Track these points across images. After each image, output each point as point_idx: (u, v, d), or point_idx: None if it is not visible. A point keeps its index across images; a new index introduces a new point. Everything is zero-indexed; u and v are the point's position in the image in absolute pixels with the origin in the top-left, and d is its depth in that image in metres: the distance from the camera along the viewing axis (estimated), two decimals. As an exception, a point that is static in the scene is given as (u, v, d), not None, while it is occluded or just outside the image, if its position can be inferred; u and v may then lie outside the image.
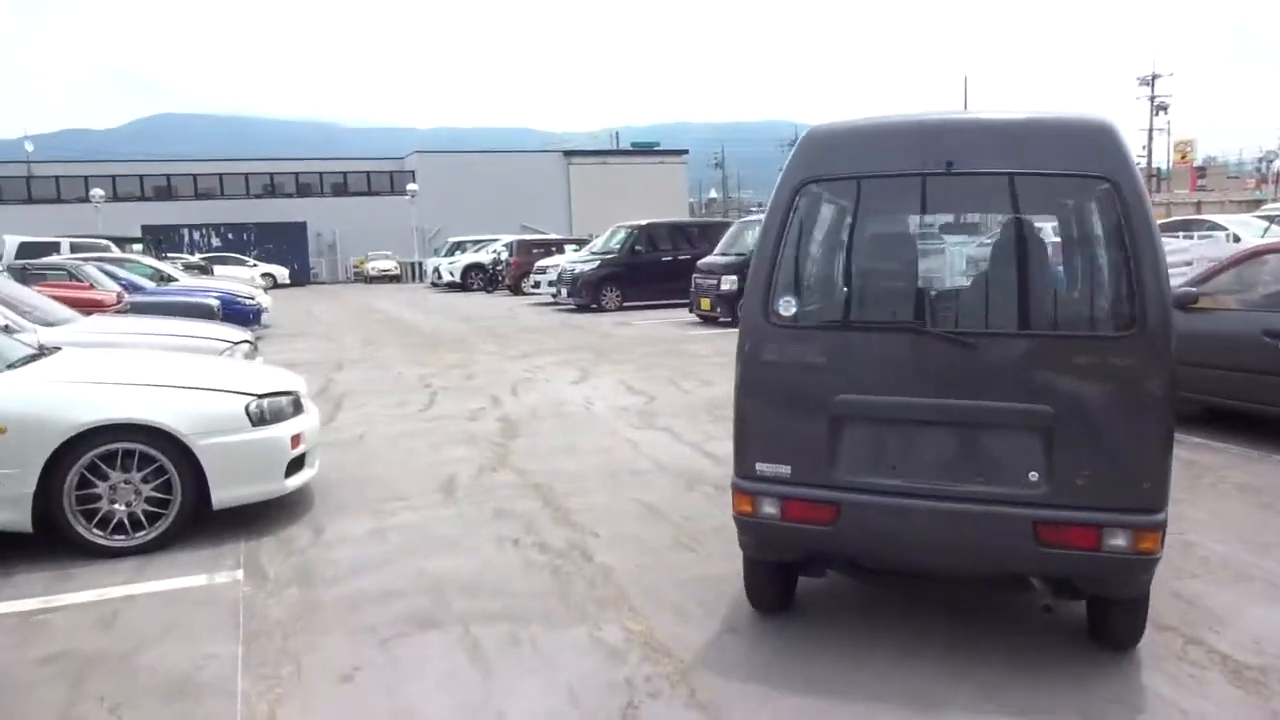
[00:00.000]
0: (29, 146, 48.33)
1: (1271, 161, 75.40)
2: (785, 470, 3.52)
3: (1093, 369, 3.24)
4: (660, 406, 8.79)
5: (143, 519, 4.90)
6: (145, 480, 4.89)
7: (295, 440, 5.36)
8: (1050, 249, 3.89)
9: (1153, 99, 67.33)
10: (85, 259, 16.43)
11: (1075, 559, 3.25)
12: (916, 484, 3.37)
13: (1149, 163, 69.86)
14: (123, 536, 4.86)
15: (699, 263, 16.86)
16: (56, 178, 43.36)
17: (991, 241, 3.92)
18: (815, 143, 3.65)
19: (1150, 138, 67.96)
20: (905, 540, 3.43)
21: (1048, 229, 3.99)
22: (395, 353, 13.57)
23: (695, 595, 4.19)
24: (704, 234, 20.83)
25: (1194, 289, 7.16)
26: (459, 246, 35.12)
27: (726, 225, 20.04)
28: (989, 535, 3.30)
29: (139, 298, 12.50)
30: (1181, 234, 22.11)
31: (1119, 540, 3.17)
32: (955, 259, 4.31)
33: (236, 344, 7.81)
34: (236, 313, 15.00)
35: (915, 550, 3.47)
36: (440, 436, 7.69)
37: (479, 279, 30.72)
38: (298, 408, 5.59)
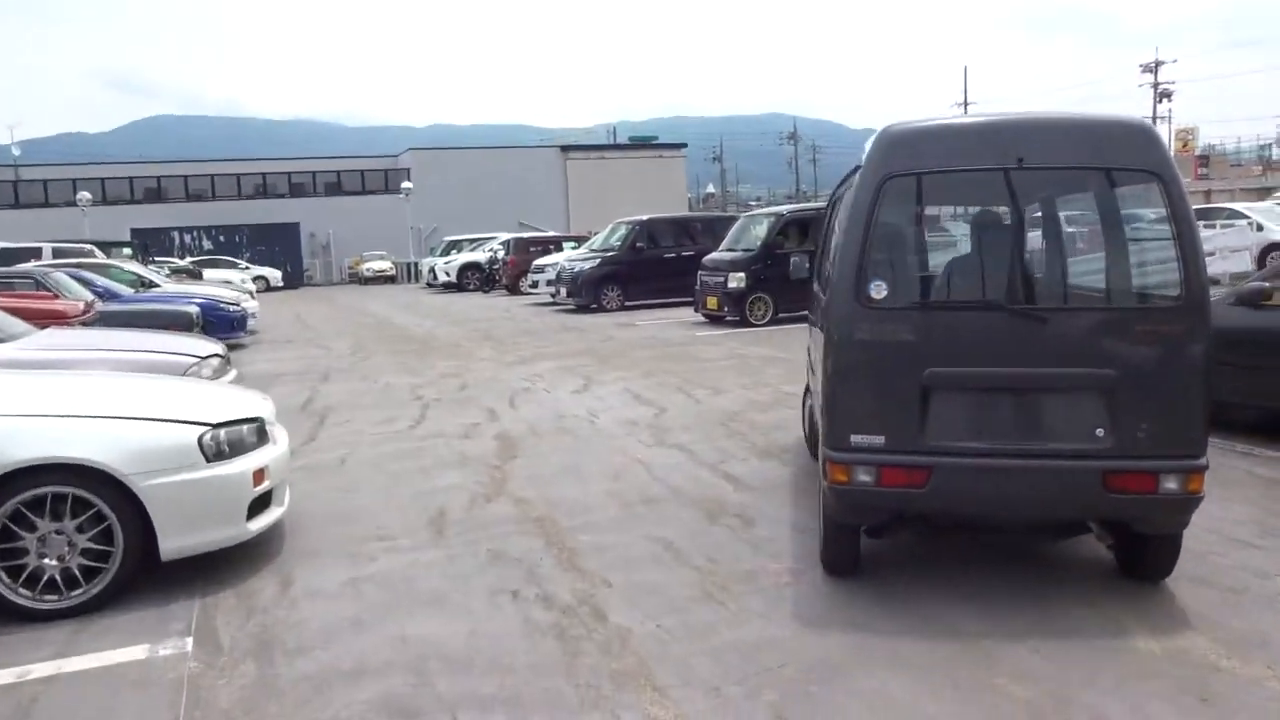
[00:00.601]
0: (15, 150, 47.48)
1: (1272, 149, 74.68)
2: (879, 440, 3.87)
3: (1147, 336, 3.74)
4: (671, 419, 8.07)
5: (78, 575, 4.18)
6: (80, 529, 4.16)
7: (259, 476, 4.64)
8: (1105, 233, 4.20)
9: (1156, 86, 66.50)
10: (61, 265, 15.69)
11: (1138, 502, 3.75)
12: (1000, 445, 3.80)
13: (1152, 150, 69.01)
14: (55, 596, 4.15)
15: (704, 259, 16.13)
16: (44, 181, 42.60)
17: (1059, 226, 4.57)
18: (894, 141, 4.02)
19: (1154, 124, 67.12)
20: (991, 496, 3.87)
21: (1105, 215, 4.29)
22: (385, 361, 12.84)
23: (731, 668, 3.47)
24: (707, 229, 20.11)
25: (1265, 283, 6.43)
26: (455, 246, 34.38)
27: (731, 220, 19.30)
28: (1065, 486, 3.77)
29: (112, 306, 11.79)
30: (1203, 223, 21.41)
31: (1172, 484, 3.68)
32: (1025, 243, 4.50)
33: (204, 359, 7.10)
34: (219, 320, 14.33)
35: (999, 504, 3.92)
36: (430, 458, 6.97)
37: (475, 279, 29.98)
38: (263, 437, 4.87)
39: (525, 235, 30.35)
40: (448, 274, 31.26)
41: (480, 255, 30.86)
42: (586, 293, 19.35)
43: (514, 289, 26.13)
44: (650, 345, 13.20)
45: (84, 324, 9.31)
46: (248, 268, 37.64)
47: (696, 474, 6.27)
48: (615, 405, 8.83)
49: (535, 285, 22.81)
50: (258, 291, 35.63)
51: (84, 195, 35.15)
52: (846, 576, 4.33)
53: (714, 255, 16.09)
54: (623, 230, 20.44)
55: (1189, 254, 3.70)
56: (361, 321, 20.05)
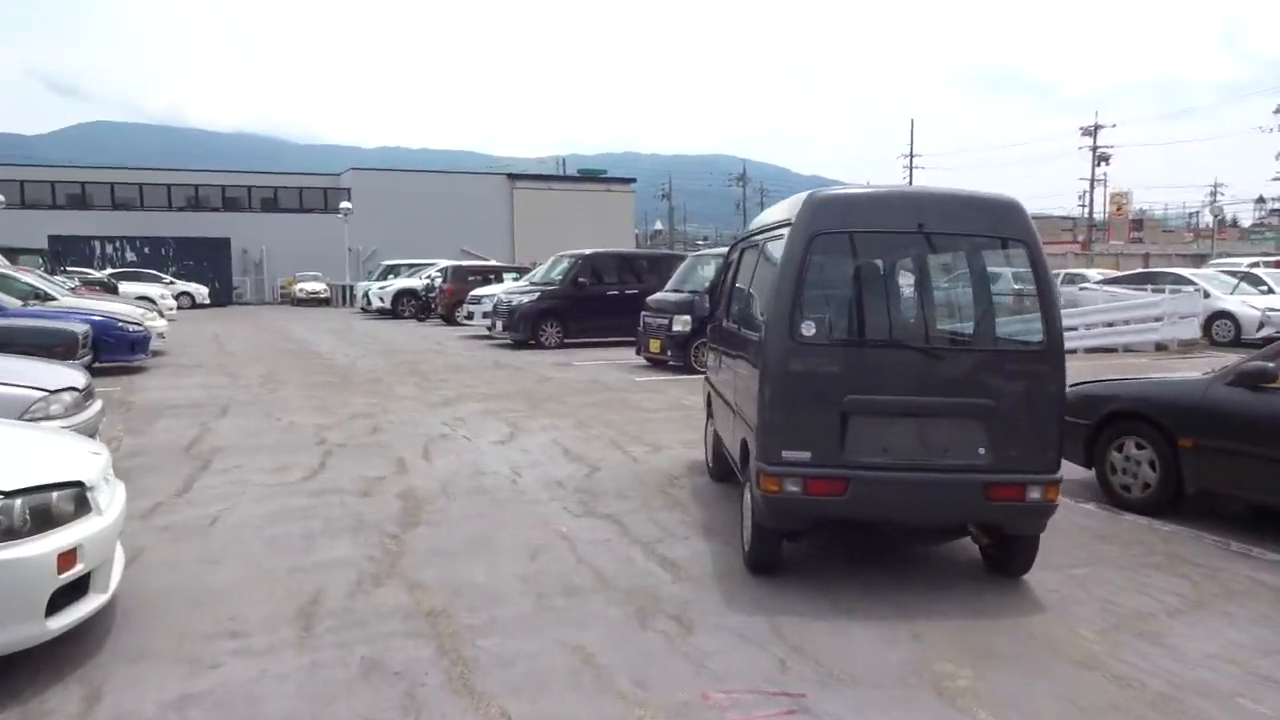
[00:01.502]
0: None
1: (1200, 216, 77.09)
2: (806, 455, 4.53)
3: (1017, 373, 4.56)
4: (604, 480, 7.17)
5: None
6: None
7: (68, 559, 3.63)
8: (984, 288, 5.09)
9: (1095, 149, 68.10)
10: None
11: (1009, 509, 4.56)
12: (904, 460, 4.51)
13: (1089, 213, 70.73)
14: None
15: (648, 299, 15.32)
16: (-44, 181, 40.28)
17: (949, 281, 5.36)
18: (821, 205, 4.75)
19: (1092, 187, 68.71)
20: (897, 503, 4.60)
21: (983, 273, 5.10)
22: (295, 394, 11.72)
23: None
24: (653, 267, 19.33)
25: (1269, 363, 5.79)
26: (392, 270, 33.14)
27: (678, 259, 18.56)
28: (955, 496, 4.54)
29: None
30: (1150, 286, 21.32)
31: (1036, 494, 4.49)
32: (925, 293, 5.28)
33: (54, 393, 6.01)
34: (116, 340, 13.12)
35: (904, 510, 4.67)
36: (320, 521, 5.96)
37: (411, 306, 28.81)
38: (81, 506, 3.85)
39: (465, 263, 29.32)
40: (382, 300, 30.02)
41: (417, 281, 29.71)
42: (524, 328, 18.41)
43: (450, 319, 25.06)
44: (587, 390, 12.30)
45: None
46: (172, 282, 35.87)
47: (628, 555, 5.37)
48: (542, 460, 7.90)
49: (471, 316, 21.78)
50: (183, 308, 34.13)
51: (-3, 198, 33.15)
52: (768, 575, 4.98)
53: (658, 295, 15.29)
54: (565, 264, 19.58)
55: (1049, 308, 4.58)
56: (282, 347, 18.79)
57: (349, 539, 5.60)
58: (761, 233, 5.96)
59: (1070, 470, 5.46)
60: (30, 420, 5.79)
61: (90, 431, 6.30)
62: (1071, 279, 29.07)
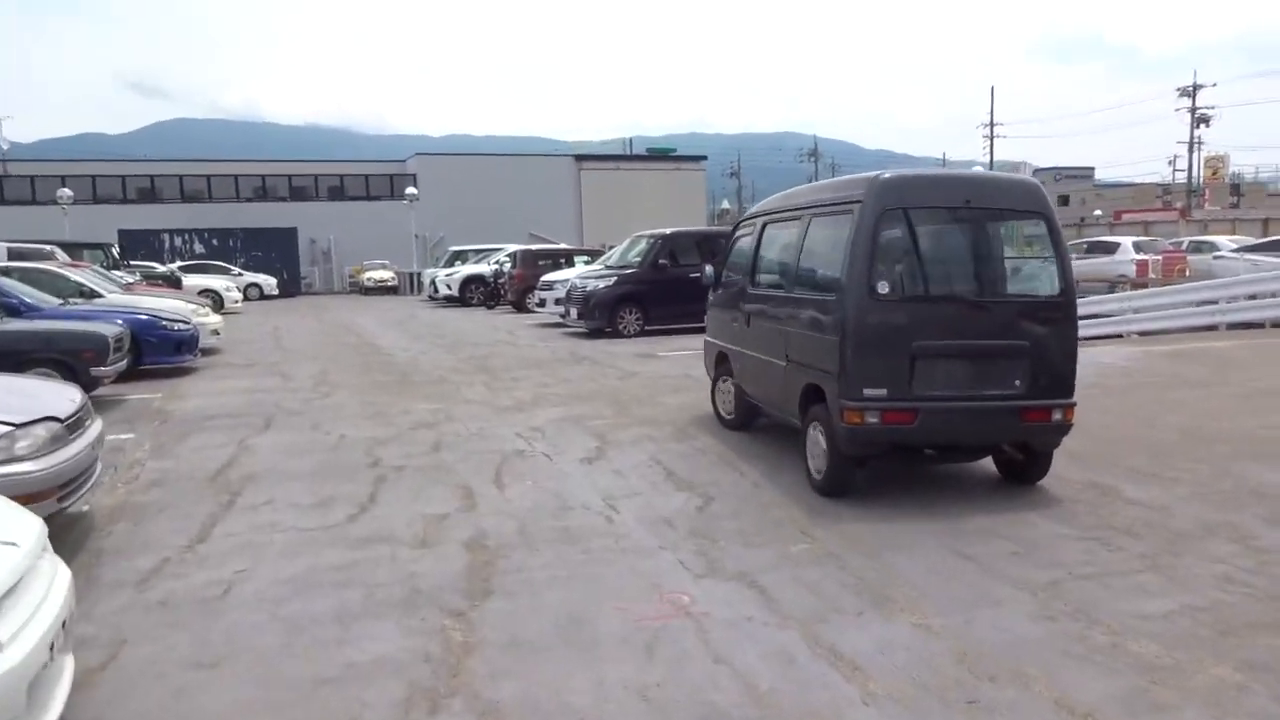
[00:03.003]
0: (4, 145, 45.35)
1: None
2: (883, 392, 5.60)
3: (1044, 318, 5.84)
4: (722, 516, 5.61)
5: None
6: None
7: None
8: (1017, 252, 6.72)
9: (1193, 110, 63.84)
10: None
11: (1038, 428, 5.86)
12: (960, 393, 5.70)
13: (1189, 177, 66.45)
14: None
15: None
16: (31, 178, 40.41)
17: (990, 246, 6.22)
18: (887, 185, 5.82)
19: (1191, 150, 64.46)
20: (955, 429, 5.83)
21: (1015, 239, 6.86)
22: (350, 399, 10.38)
23: None
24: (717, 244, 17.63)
25: None
26: (459, 256, 31.95)
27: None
28: (998, 420, 5.78)
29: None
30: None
31: (1058, 415, 5.78)
32: (972, 256, 6.25)
33: (21, 427, 4.64)
34: (160, 340, 11.98)
35: (959, 434, 5.90)
36: (360, 590, 4.51)
37: (479, 293, 27.56)
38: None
39: (534, 247, 27.93)
40: (449, 287, 28.82)
41: (485, 268, 28.44)
42: (600, 315, 16.90)
43: (520, 306, 23.72)
44: (680, 387, 10.73)
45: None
46: (240, 274, 35.36)
47: (784, 648, 3.79)
48: (640, 486, 6.36)
49: (542, 303, 20.37)
50: (250, 300, 33.54)
51: (64, 193, 32.83)
52: (839, 498, 5.92)
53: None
54: (643, 245, 17.98)
55: (1064, 268, 5.90)
56: (343, 341, 17.60)
57: (397, 621, 4.13)
58: (800, 209, 6.93)
59: None
60: (-14, 464, 4.45)
61: (77, 471, 4.97)
62: (1198, 247, 26.46)
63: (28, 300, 11.37)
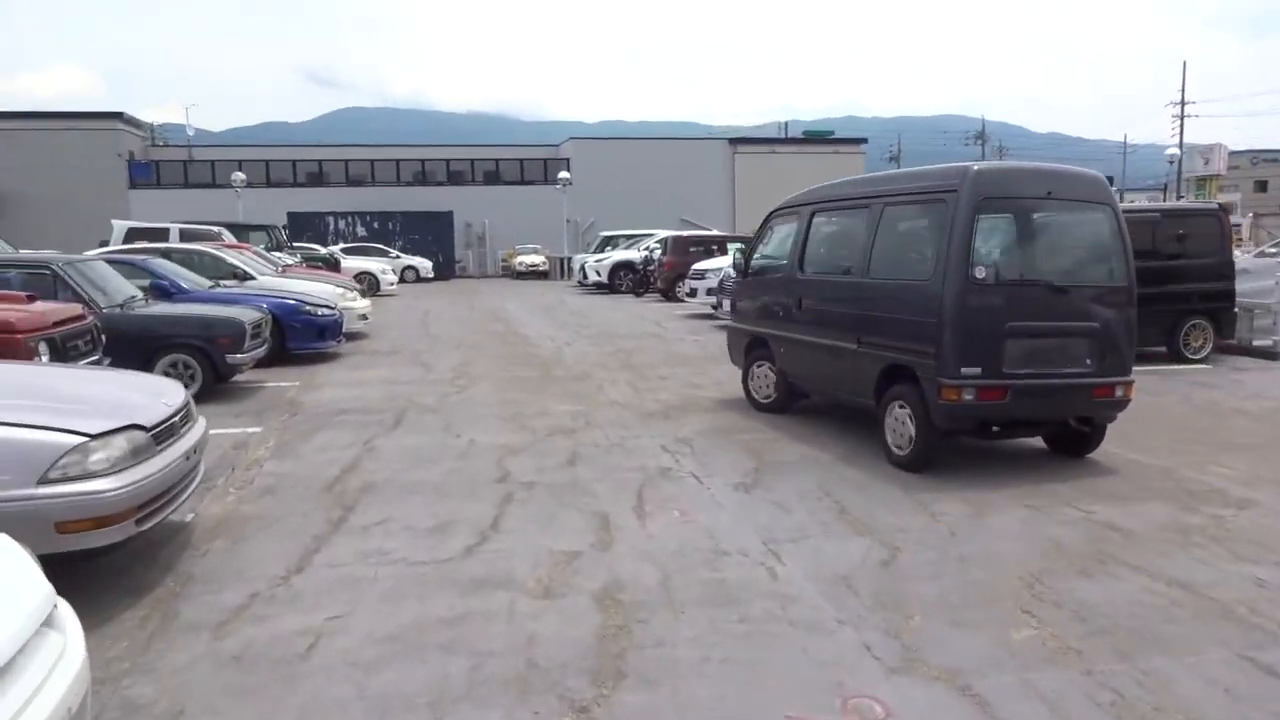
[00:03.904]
0: (190, 131, 48.15)
1: None
2: (978, 370, 5.96)
3: (1109, 304, 6.31)
4: (914, 575, 4.48)
5: None
6: None
7: None
8: (1088, 240, 6.74)
9: None
10: (137, 251, 13.56)
11: (1104, 403, 6.38)
12: (1043, 370, 6.12)
13: None
14: None
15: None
16: (212, 163, 42.61)
17: (1068, 235, 6.83)
18: (984, 178, 6.25)
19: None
20: (1038, 405, 6.23)
21: (1088, 228, 6.73)
22: (487, 394, 9.72)
23: None
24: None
25: None
26: (610, 242, 31.40)
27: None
28: (1074, 395, 6.27)
29: (141, 310, 9.16)
30: None
31: (1120, 392, 6.32)
32: (1053, 244, 6.78)
33: (98, 437, 4.02)
34: (303, 325, 11.71)
35: (1042, 409, 6.35)
36: (464, 660, 3.65)
37: (628, 280, 26.89)
38: None
39: (685, 234, 26.99)
40: (598, 273, 28.27)
41: (635, 254, 27.74)
42: (754, 307, 15.78)
43: (669, 294, 22.86)
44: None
45: (46, 338, 6.54)
46: (398, 256, 36.08)
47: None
48: (808, 526, 5.30)
49: (693, 293, 19.42)
50: (407, 282, 34.13)
51: (238, 176, 34.33)
52: (920, 471, 6.32)
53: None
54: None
55: (1128, 256, 6.39)
56: (489, 329, 17.17)
57: (505, 712, 3.25)
58: (866, 198, 7.26)
59: None
60: (55, 483, 3.85)
61: (162, 488, 4.36)
62: None
63: (180, 282, 11.31)
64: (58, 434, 3.93)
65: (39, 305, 7.01)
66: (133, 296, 9.40)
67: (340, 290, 14.92)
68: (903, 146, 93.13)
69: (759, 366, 8.59)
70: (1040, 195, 6.38)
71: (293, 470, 6.61)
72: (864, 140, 51.60)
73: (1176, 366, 11.33)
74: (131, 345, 8.68)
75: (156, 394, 4.89)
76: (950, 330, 5.97)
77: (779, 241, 8.61)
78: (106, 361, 7.55)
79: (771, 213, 8.96)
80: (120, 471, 4.07)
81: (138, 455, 4.22)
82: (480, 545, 5.00)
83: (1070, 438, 6.79)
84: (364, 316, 15.30)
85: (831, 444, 7.28)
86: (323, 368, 11.65)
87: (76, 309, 7.41)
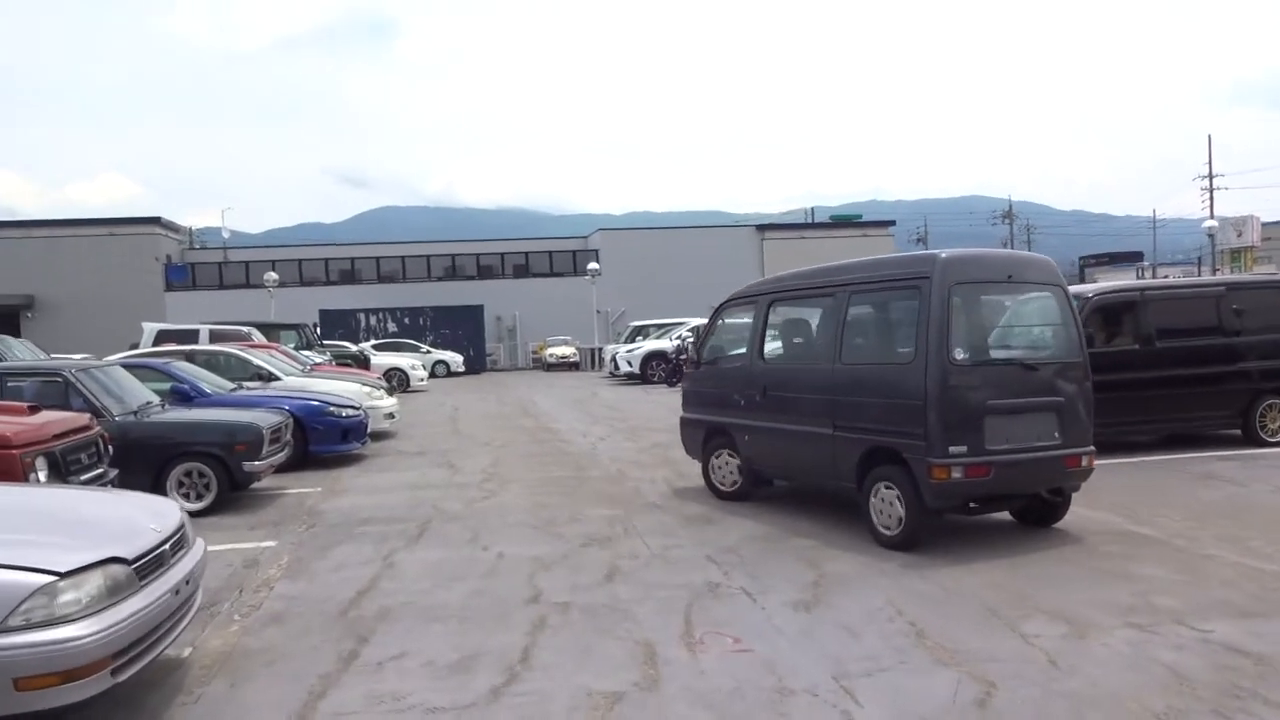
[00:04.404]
0: (225, 234, 49.08)
1: None
2: (964, 449, 6.15)
3: (1071, 378, 6.67)
4: (1021, 727, 3.79)
5: None
6: None
7: None
8: (1046, 319, 7.08)
9: None
10: (158, 354, 13.32)
11: (1074, 473, 6.67)
12: (1019, 445, 6.36)
13: None
14: None
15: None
16: (246, 263, 43.25)
17: (1027, 315, 7.26)
18: (953, 264, 6.47)
19: None
20: (1020, 478, 6.51)
21: (1046, 308, 7.07)
22: (518, 499, 9.15)
23: None
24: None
25: None
26: (640, 331, 31.09)
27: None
28: (1047, 467, 6.53)
29: (148, 416, 8.75)
30: None
31: (1084, 462, 6.63)
32: (1017, 324, 7.31)
33: (69, 575, 3.49)
34: (326, 427, 11.29)
35: (1020, 483, 6.59)
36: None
37: (660, 370, 26.43)
38: None
39: (717, 321, 26.59)
40: (629, 364, 27.87)
41: (667, 343, 27.35)
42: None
43: (703, 384, 22.31)
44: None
45: (44, 453, 6.10)
46: (429, 351, 36.04)
47: None
48: (882, 655, 4.62)
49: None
50: (438, 377, 33.93)
51: (270, 276, 34.69)
52: (915, 550, 6.40)
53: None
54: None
55: (1081, 333, 6.86)
56: (519, 424, 16.68)
57: None
58: (829, 287, 7.47)
59: None
60: (14, 631, 3.32)
61: (145, 629, 3.81)
62: None
63: (200, 386, 10.97)
64: (20, 573, 3.42)
65: (40, 416, 6.61)
66: (148, 403, 9.02)
67: (366, 389, 14.56)
68: (931, 229, 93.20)
69: (720, 456, 8.57)
70: (1001, 279, 6.83)
71: (305, 592, 6.04)
72: (892, 223, 51.60)
73: (1255, 451, 10.52)
74: (144, 454, 8.28)
75: (148, 516, 4.38)
76: (936, 411, 6.15)
77: (733, 332, 8.85)
78: (113, 474, 7.11)
79: (721, 304, 9.10)
80: (94, 614, 3.54)
81: (116, 593, 3.69)
82: (508, 685, 4.37)
83: (1038, 509, 7.03)
84: (391, 415, 14.90)
85: (898, 557, 6.60)
86: (347, 471, 11.16)
87: (82, 419, 7.01)
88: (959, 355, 6.20)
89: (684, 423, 9.24)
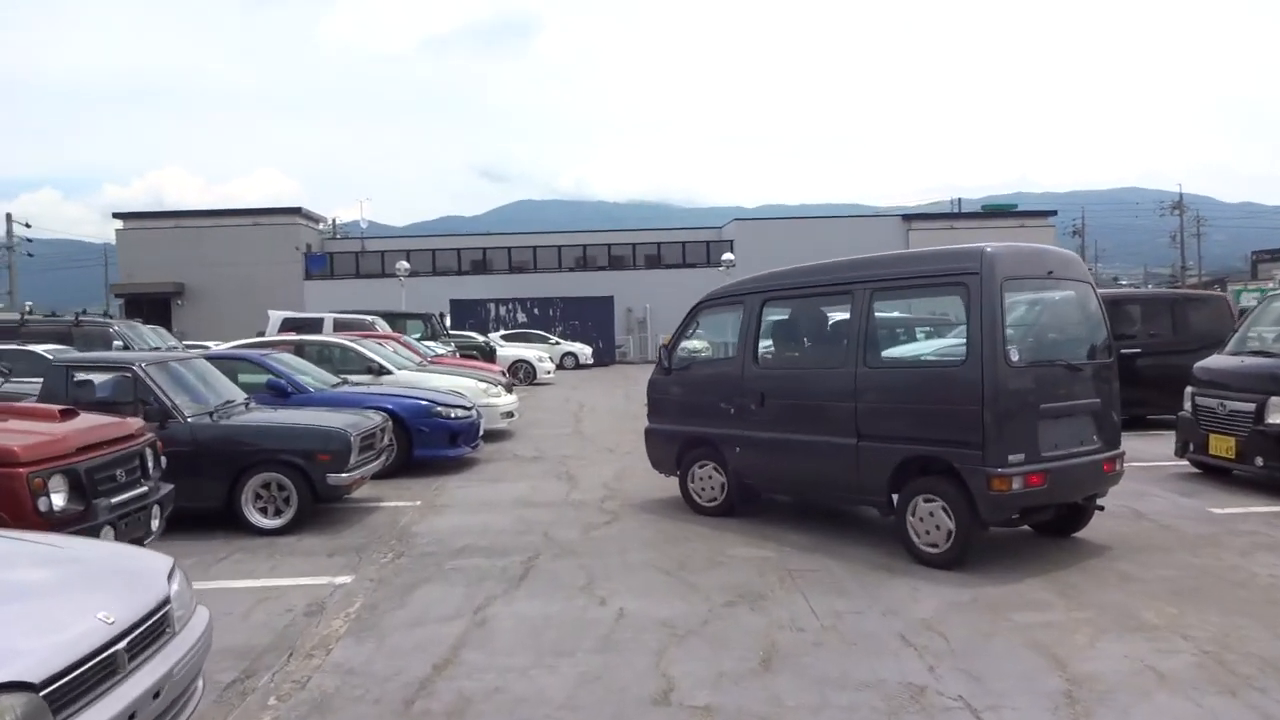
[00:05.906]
0: (363, 224, 49.73)
1: None
2: (1022, 456, 5.77)
3: (1105, 378, 6.43)
4: None
5: None
6: None
7: None
8: (1082, 316, 6.73)
9: None
10: (263, 344, 12.46)
11: (1109, 478, 6.42)
12: (1067, 450, 6.04)
13: None
14: None
15: (1197, 368, 9.43)
16: (381, 253, 43.55)
17: (1068, 313, 6.81)
18: (1002, 258, 6.06)
19: None
20: (1071, 484, 6.18)
21: (1085, 304, 6.74)
22: (643, 526, 7.59)
23: None
24: (1155, 314, 13.09)
25: None
26: (776, 326, 29.19)
27: (1205, 301, 12.25)
28: (1091, 472, 6.23)
29: (226, 418, 7.62)
30: None
31: (1117, 466, 6.43)
32: (1061, 322, 6.84)
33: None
34: (431, 430, 10.13)
35: (1070, 490, 6.25)
36: None
37: (800, 367, 24.48)
38: None
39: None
40: (766, 360, 26.02)
41: (807, 338, 25.36)
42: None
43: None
44: (1109, 540, 6.86)
45: (63, 470, 4.94)
46: (558, 343, 35.15)
47: None
48: None
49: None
50: (566, 369, 32.95)
51: (402, 265, 34.47)
52: (962, 567, 5.91)
53: (1213, 362, 9.37)
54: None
55: (1109, 331, 6.64)
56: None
57: None
58: (842, 284, 7.03)
59: None
60: None
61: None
62: None
63: (299, 380, 9.91)
64: None
65: (67, 424, 5.43)
66: (229, 401, 7.91)
67: (484, 385, 13.32)
68: (1086, 220, 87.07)
69: (702, 468, 7.91)
70: (1042, 275, 6.44)
71: (368, 663, 4.65)
72: (1053, 213, 47.81)
73: None
74: (216, 462, 7.18)
75: (107, 595, 3.01)
76: (994, 416, 5.76)
77: (714, 334, 8.39)
78: (164, 491, 5.95)
79: (699, 304, 8.53)
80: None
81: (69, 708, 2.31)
82: None
83: (1062, 519, 6.67)
84: (509, 414, 13.63)
85: (1172, 635, 4.70)
86: (453, 479, 9.91)
87: (127, 425, 5.84)
88: (1014, 356, 5.84)
89: (651, 434, 8.59)
